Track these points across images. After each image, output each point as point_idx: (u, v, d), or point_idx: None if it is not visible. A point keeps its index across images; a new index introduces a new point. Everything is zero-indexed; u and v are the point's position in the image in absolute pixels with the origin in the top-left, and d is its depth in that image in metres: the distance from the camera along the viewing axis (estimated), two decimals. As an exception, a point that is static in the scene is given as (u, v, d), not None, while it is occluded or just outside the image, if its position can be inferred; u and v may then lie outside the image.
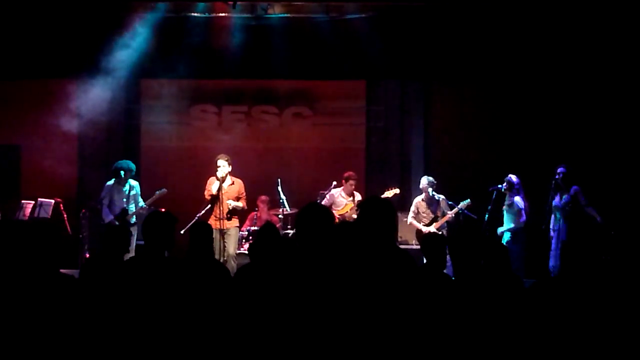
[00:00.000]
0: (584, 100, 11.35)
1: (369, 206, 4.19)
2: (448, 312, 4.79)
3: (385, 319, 3.89)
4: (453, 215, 10.23)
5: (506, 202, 9.82)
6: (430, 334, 4.16)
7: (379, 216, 4.09)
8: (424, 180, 10.39)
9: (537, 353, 4.74)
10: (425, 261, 5.66)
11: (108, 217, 9.95)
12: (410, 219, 10.41)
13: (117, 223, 9.74)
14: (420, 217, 10.42)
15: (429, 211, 10.40)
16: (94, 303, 4.99)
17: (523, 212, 9.67)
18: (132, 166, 10.08)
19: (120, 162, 10.12)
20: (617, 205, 10.45)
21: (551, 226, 9.64)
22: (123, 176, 9.96)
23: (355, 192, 10.62)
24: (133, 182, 10.11)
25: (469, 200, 10.18)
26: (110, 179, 10.13)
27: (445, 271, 5.59)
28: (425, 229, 10.21)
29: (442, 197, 10.37)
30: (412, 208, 10.48)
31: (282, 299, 4.23)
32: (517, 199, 9.71)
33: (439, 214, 10.36)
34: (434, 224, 10.29)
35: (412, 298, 4.01)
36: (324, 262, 4.12)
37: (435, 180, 10.41)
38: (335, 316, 3.95)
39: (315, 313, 3.99)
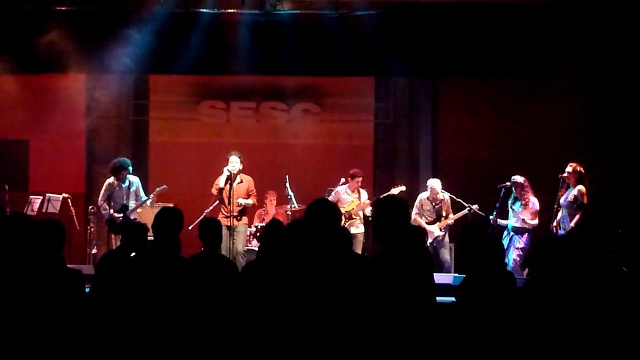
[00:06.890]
0: (595, 96, 11.32)
1: (383, 205, 4.20)
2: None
3: (396, 315, 3.88)
4: (458, 218, 10.29)
5: (520, 201, 9.70)
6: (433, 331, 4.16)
7: (393, 215, 4.09)
8: (436, 182, 10.37)
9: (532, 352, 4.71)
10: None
11: (107, 214, 9.86)
12: (414, 215, 10.37)
13: (117, 217, 9.69)
14: (424, 214, 10.40)
15: (432, 209, 10.38)
16: (108, 297, 5.03)
17: (537, 214, 9.61)
18: (128, 162, 9.90)
19: (115, 161, 9.95)
20: (625, 202, 10.43)
21: (557, 222, 9.53)
22: (120, 174, 9.81)
23: (361, 189, 10.60)
24: (132, 178, 9.92)
25: (476, 205, 10.17)
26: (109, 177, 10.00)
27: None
28: (428, 227, 10.21)
29: (446, 197, 10.35)
30: (416, 204, 10.43)
31: (289, 294, 4.23)
32: (534, 199, 9.63)
33: (443, 213, 10.35)
34: (438, 223, 10.29)
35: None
36: (331, 258, 4.12)
37: (442, 178, 10.47)
38: (343, 311, 3.95)
39: (323, 309, 3.99)
